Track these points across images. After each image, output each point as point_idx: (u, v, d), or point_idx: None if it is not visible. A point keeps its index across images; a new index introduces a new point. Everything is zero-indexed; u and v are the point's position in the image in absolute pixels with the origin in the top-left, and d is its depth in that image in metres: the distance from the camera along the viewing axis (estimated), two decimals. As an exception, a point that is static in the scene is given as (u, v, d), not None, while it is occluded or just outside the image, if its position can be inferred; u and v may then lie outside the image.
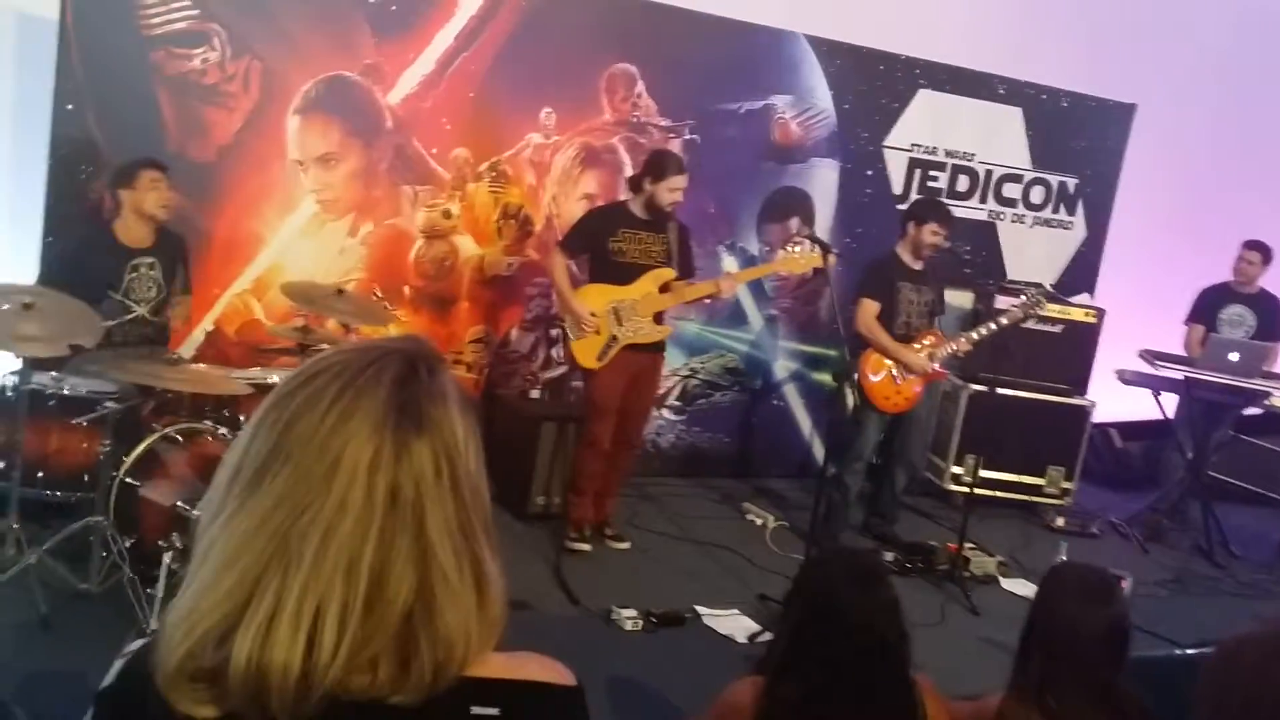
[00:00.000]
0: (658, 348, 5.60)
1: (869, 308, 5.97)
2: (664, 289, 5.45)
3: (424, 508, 1.07)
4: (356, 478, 1.05)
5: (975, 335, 6.13)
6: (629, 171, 6.18)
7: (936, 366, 6.01)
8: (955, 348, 6.08)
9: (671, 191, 5.36)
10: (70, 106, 5.12)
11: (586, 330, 5.38)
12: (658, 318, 5.49)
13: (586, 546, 5.52)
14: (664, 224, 5.46)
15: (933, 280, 6.15)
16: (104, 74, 5.17)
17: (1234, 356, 6.77)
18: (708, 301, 5.93)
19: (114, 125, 5.22)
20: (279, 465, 1.06)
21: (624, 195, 5.72)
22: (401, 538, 1.06)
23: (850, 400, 5.29)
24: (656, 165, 5.41)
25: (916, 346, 5.97)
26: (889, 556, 5.88)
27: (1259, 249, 7.15)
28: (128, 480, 4.25)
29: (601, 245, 5.43)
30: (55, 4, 5.05)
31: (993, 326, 6.10)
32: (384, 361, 1.11)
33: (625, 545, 5.72)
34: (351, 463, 1.06)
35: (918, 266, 6.08)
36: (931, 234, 5.97)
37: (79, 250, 4.89)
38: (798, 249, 5.60)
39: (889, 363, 5.95)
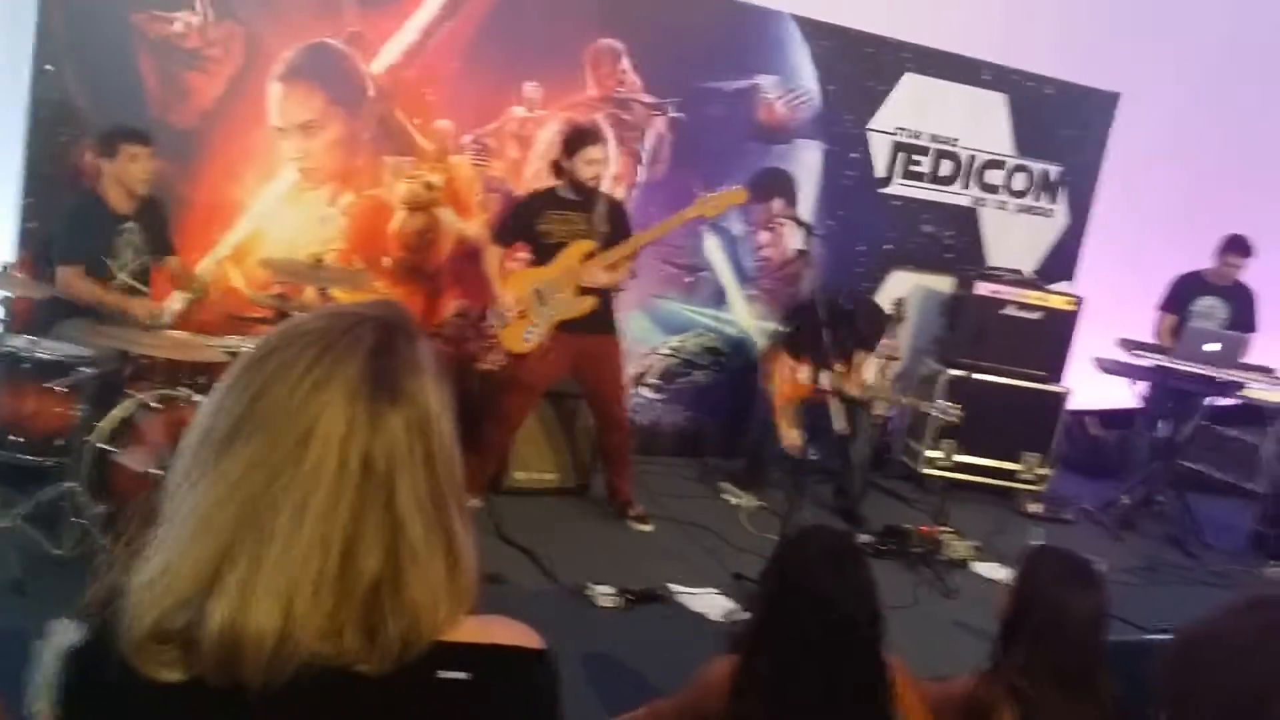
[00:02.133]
0: (602, 328, 5.58)
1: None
2: (585, 260, 5.43)
3: (396, 479, 1.06)
4: (329, 447, 1.04)
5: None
6: (613, 147, 6.15)
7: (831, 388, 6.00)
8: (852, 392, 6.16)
9: (589, 164, 5.34)
10: (50, 68, 5.07)
11: (508, 317, 5.41)
12: (581, 290, 5.46)
13: (476, 502, 5.44)
14: (592, 201, 5.45)
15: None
16: (85, 36, 5.11)
17: (1212, 347, 6.80)
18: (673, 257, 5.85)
19: (94, 88, 5.17)
20: (251, 430, 1.05)
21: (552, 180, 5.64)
22: (372, 509, 1.05)
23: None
24: (570, 140, 5.40)
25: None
26: (864, 538, 5.92)
27: (1245, 252, 7.14)
28: (103, 446, 4.23)
29: (531, 230, 5.45)
30: (36, -37, 4.99)
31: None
32: (360, 330, 1.09)
33: (648, 527, 5.73)
34: (325, 432, 1.04)
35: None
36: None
37: (70, 215, 4.86)
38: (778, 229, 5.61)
39: (791, 362, 6.23)
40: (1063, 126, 7.70)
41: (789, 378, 6.30)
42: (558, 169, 5.46)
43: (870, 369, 6.69)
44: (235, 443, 1.05)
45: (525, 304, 5.43)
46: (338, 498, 1.04)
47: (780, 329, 6.43)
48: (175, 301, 4.71)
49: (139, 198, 4.89)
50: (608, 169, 5.42)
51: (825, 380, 6.02)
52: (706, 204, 5.76)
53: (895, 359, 7.07)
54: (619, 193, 6.24)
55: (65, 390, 4.26)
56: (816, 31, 6.84)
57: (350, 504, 1.04)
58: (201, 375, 4.61)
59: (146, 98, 5.30)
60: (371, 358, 1.07)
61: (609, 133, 6.32)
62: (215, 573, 1.02)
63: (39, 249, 5.00)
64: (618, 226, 5.57)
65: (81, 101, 5.13)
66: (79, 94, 5.13)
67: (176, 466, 1.09)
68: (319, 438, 1.04)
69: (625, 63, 6.40)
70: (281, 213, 5.70)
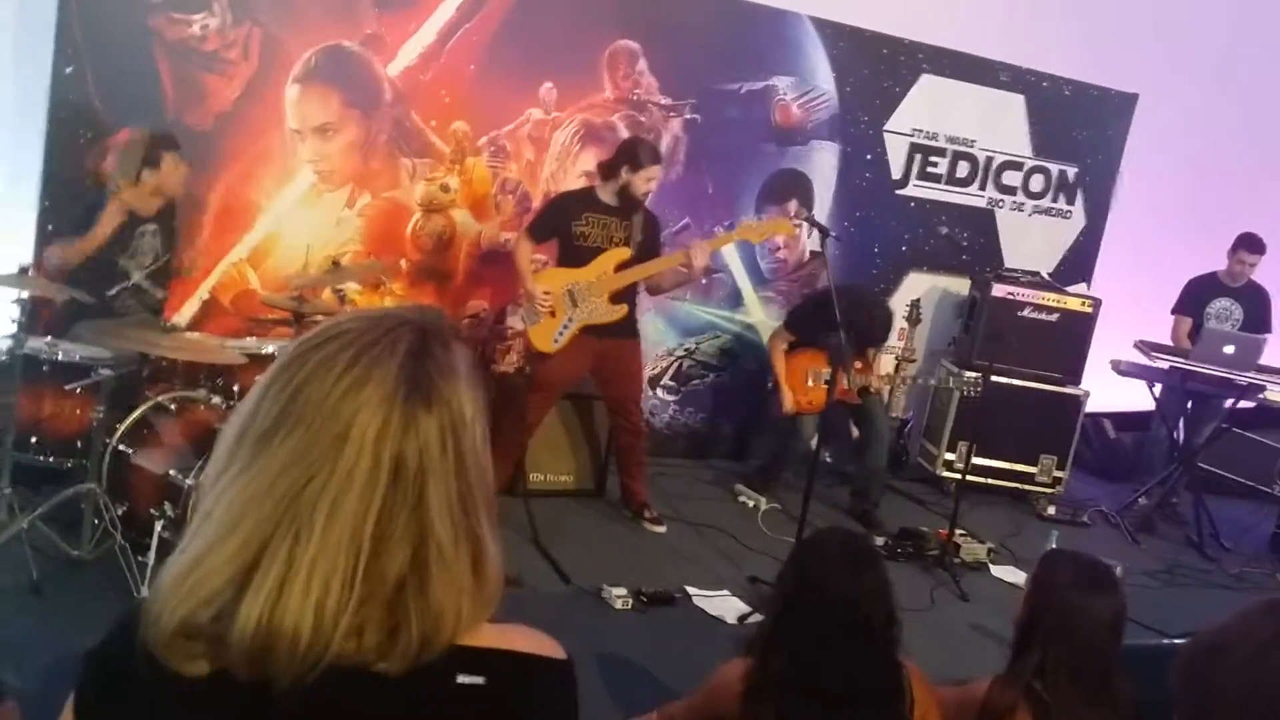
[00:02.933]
0: (626, 332, 5.60)
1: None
2: (620, 269, 5.45)
3: (426, 481, 1.07)
4: (364, 447, 1.06)
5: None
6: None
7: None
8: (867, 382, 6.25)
9: (648, 181, 5.41)
10: (69, 70, 5.10)
11: (541, 312, 5.41)
12: (614, 297, 5.48)
13: None
14: (631, 211, 5.47)
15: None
16: (103, 38, 5.14)
17: (1229, 349, 6.77)
18: (693, 278, 5.84)
19: (113, 90, 5.20)
20: (289, 428, 1.07)
21: (592, 180, 5.70)
22: (402, 509, 1.06)
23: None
24: (635, 154, 5.42)
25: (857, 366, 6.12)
26: (880, 541, 5.91)
27: (1257, 249, 7.12)
28: (120, 448, 4.25)
29: (566, 230, 5.45)
30: (56, -34, 5.02)
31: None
32: (399, 332, 1.11)
33: (662, 529, 5.74)
34: (360, 432, 1.06)
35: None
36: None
37: (89, 213, 4.88)
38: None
39: (806, 370, 6.24)
40: (1080, 127, 7.66)
41: (801, 387, 6.29)
42: (610, 173, 5.46)
43: (886, 367, 6.69)
44: (274, 439, 1.07)
45: (557, 303, 5.43)
46: (370, 498, 1.05)
47: (788, 327, 6.39)
48: (191, 305, 4.74)
49: (165, 201, 4.94)
50: (656, 184, 5.49)
51: (845, 381, 6.01)
52: (751, 229, 5.89)
53: (912, 360, 7.05)
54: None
55: (83, 392, 4.28)
56: (833, 33, 6.83)
57: (381, 504, 1.05)
58: (219, 377, 4.63)
59: (164, 99, 5.33)
60: (408, 360, 1.09)
61: (625, 135, 6.32)
62: (249, 569, 1.04)
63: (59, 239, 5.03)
64: (651, 239, 5.60)
65: (99, 103, 5.16)
66: (97, 96, 5.16)
67: (213, 460, 1.11)
68: (355, 437, 1.06)
69: (642, 64, 6.40)
70: (298, 215, 5.72)
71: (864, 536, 3.31)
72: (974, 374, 6.40)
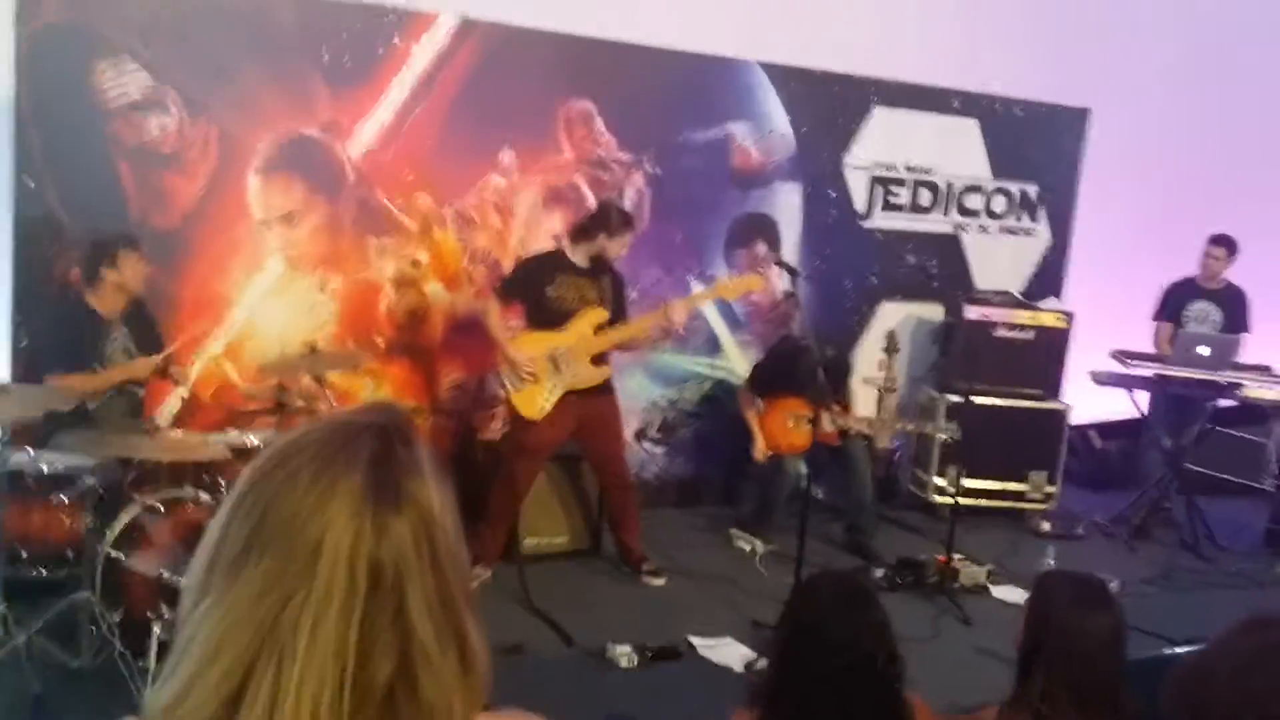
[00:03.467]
0: (603, 390, 5.63)
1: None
2: (599, 330, 5.49)
3: (405, 586, 1.07)
4: (339, 562, 1.05)
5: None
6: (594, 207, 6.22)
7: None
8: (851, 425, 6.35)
9: (622, 246, 5.52)
10: (32, 184, 5.13)
11: (526, 379, 5.42)
12: (596, 359, 5.52)
13: (486, 574, 5.48)
14: (601, 273, 5.53)
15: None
16: (63, 149, 5.18)
17: (1204, 350, 6.83)
18: (671, 336, 5.93)
19: (76, 200, 5.23)
20: (260, 551, 1.06)
21: (560, 242, 5.78)
22: (383, 617, 1.06)
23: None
24: (608, 220, 5.49)
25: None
26: (878, 573, 5.91)
27: (1224, 244, 7.24)
28: (112, 553, 4.23)
29: (538, 292, 5.48)
30: (9, 83, 5.06)
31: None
32: (360, 439, 1.11)
33: (661, 581, 5.75)
34: (333, 546, 1.05)
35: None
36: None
37: (57, 324, 4.91)
38: (764, 272, 5.69)
39: (784, 413, 6.33)
40: (1036, 146, 7.77)
41: (783, 430, 6.33)
42: (583, 235, 5.52)
43: (867, 401, 6.73)
44: (246, 563, 1.06)
45: (539, 368, 5.45)
46: (350, 611, 1.04)
47: (752, 389, 6.49)
48: (168, 409, 4.73)
49: (128, 301, 4.94)
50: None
51: (827, 423, 6.05)
52: (726, 288, 5.97)
53: (893, 390, 7.09)
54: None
55: (71, 501, 4.27)
56: (783, 76, 6.93)
57: (362, 615, 1.05)
58: (205, 474, 4.62)
59: (128, 204, 5.37)
60: (372, 466, 1.09)
61: (589, 193, 6.40)
62: (236, 697, 1.03)
63: (31, 363, 5.04)
64: (619, 297, 5.66)
65: (64, 215, 5.19)
66: (61, 208, 5.19)
67: (187, 589, 1.10)
68: (328, 553, 1.05)
69: (598, 123, 6.47)
70: (271, 303, 5.74)
71: (858, 576, 3.33)
72: (951, 424, 6.43)
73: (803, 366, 5.82)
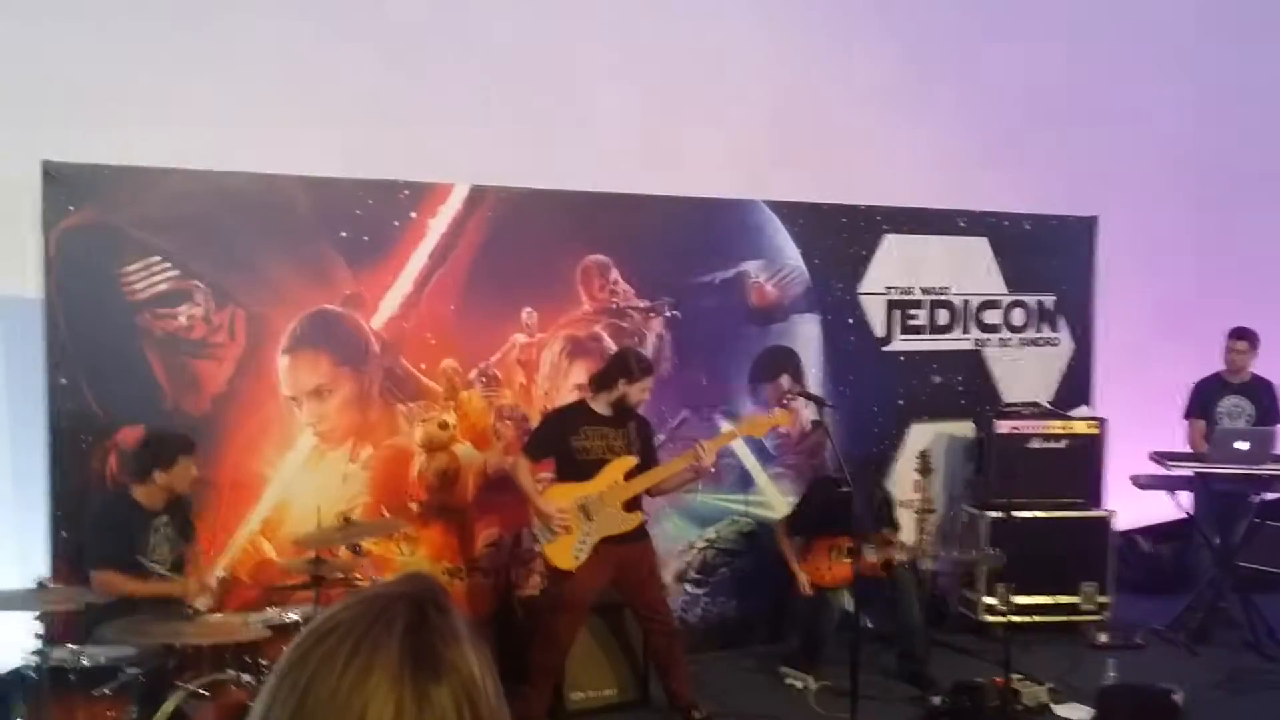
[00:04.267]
0: (639, 535, 5.61)
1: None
2: (629, 476, 5.51)
3: None
4: None
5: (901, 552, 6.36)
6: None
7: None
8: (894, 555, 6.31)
9: (643, 391, 5.55)
10: (64, 380, 5.25)
11: (558, 530, 5.42)
12: (627, 505, 5.52)
13: None
14: (625, 419, 5.57)
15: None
16: (93, 344, 5.31)
17: (1242, 445, 6.77)
18: (700, 477, 5.92)
19: (109, 392, 5.34)
20: None
21: (584, 393, 5.84)
22: None
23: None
24: (627, 366, 5.55)
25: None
26: (936, 700, 5.78)
27: (1245, 337, 7.23)
28: (158, 743, 4.21)
29: (565, 445, 5.52)
30: (39, 283, 5.23)
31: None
32: (393, 610, 1.11)
33: None
34: None
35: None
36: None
37: (99, 518, 4.98)
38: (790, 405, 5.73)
39: (827, 549, 6.33)
40: (1048, 256, 7.83)
41: (828, 565, 6.29)
42: (604, 384, 5.58)
43: (906, 524, 6.68)
44: None
45: (570, 519, 5.45)
46: None
47: (797, 519, 6.49)
48: (203, 602, 4.75)
49: (174, 496, 5.03)
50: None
51: (870, 553, 6.01)
52: (753, 425, 6.01)
53: (931, 511, 7.04)
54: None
55: (114, 694, 4.27)
56: (790, 211, 7.06)
57: None
58: (246, 654, 4.62)
59: (160, 392, 5.48)
60: (408, 636, 1.08)
61: (610, 343, 6.47)
62: None
63: (73, 556, 5.09)
64: (646, 442, 5.69)
65: (97, 407, 5.30)
66: (94, 400, 5.30)
67: None
68: None
69: (614, 274, 6.59)
70: (304, 478, 5.80)
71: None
72: (996, 551, 6.40)
73: (838, 503, 5.80)
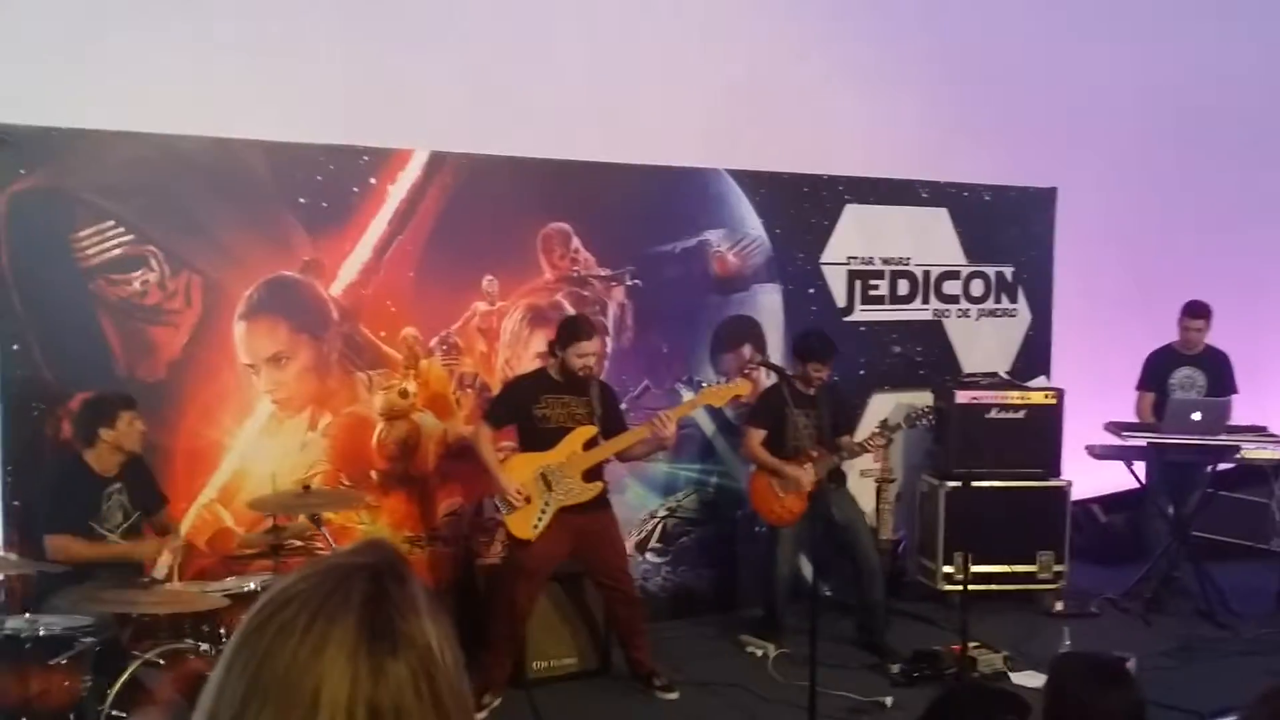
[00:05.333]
0: (600, 505, 5.61)
1: (754, 435, 6.40)
2: (589, 445, 5.48)
3: None
4: (337, 711, 1.02)
5: (844, 452, 6.40)
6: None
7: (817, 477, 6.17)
8: (836, 460, 6.36)
9: (580, 357, 5.48)
10: (16, 346, 5.16)
11: (516, 503, 5.40)
12: (587, 475, 5.51)
13: (495, 701, 5.41)
14: (586, 386, 5.54)
15: (825, 403, 6.36)
16: (45, 309, 5.22)
17: (1196, 416, 6.84)
18: (663, 446, 5.89)
19: (62, 358, 5.25)
20: (258, 705, 1.03)
21: (545, 361, 5.83)
22: None
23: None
24: (564, 332, 5.56)
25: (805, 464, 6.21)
26: (894, 668, 5.84)
27: (1202, 314, 7.27)
28: (114, 713, 4.16)
29: (526, 413, 5.51)
30: (-11, 249, 5.13)
31: (863, 442, 6.45)
32: (350, 583, 1.08)
33: (674, 695, 5.67)
34: (330, 696, 1.03)
35: (809, 392, 6.30)
36: (814, 370, 6.29)
37: (52, 484, 4.91)
38: (752, 374, 5.75)
39: (769, 479, 6.31)
40: (1007, 228, 7.88)
41: (776, 499, 6.31)
42: (552, 352, 5.59)
43: (866, 493, 6.71)
44: (245, 719, 1.03)
45: (531, 489, 5.43)
46: None
47: (754, 424, 6.47)
48: (164, 563, 4.69)
49: (126, 458, 4.95)
50: (600, 362, 5.55)
51: (810, 472, 6.07)
52: (714, 394, 5.97)
53: (891, 480, 7.08)
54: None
55: (69, 663, 4.21)
56: (752, 181, 7.04)
57: None
58: (204, 624, 4.57)
59: (113, 359, 5.39)
60: (364, 610, 1.06)
61: (572, 312, 6.42)
62: None
63: (25, 525, 5.01)
64: (611, 410, 5.66)
65: (50, 374, 5.21)
66: (46, 366, 5.21)
67: None
68: (326, 703, 1.02)
69: (576, 242, 6.55)
70: (263, 445, 5.73)
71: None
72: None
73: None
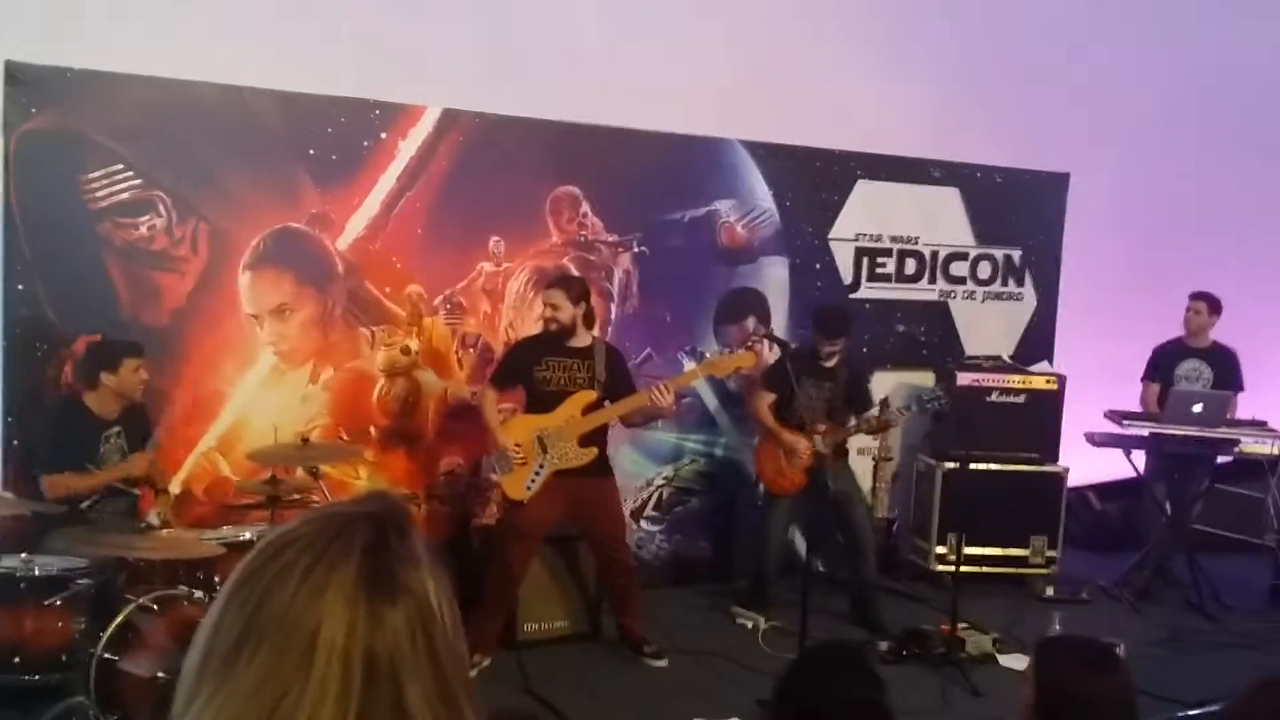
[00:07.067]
0: (599, 470, 5.61)
1: (764, 398, 6.39)
2: (589, 410, 5.49)
3: (401, 677, 1.04)
4: (333, 655, 1.03)
5: (852, 426, 6.37)
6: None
7: (820, 450, 6.13)
8: (843, 436, 6.37)
9: (544, 307, 5.56)
10: (21, 287, 5.15)
11: (514, 463, 5.41)
12: (583, 440, 5.51)
13: (485, 661, 5.40)
14: (590, 349, 5.53)
15: (842, 379, 6.37)
16: (52, 251, 5.21)
17: (1197, 408, 6.84)
18: (664, 415, 5.89)
19: (67, 300, 5.26)
20: (254, 646, 1.04)
21: None
22: (380, 710, 1.03)
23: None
24: (537, 283, 5.64)
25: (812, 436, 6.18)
26: (884, 645, 5.86)
27: (1204, 299, 7.27)
28: (107, 656, 4.18)
29: (529, 376, 5.52)
30: (-2, 188, 5.11)
31: (869, 419, 6.36)
32: (353, 528, 1.09)
33: (663, 662, 5.69)
34: (328, 639, 1.03)
35: (829, 365, 6.33)
36: (823, 345, 6.31)
37: (51, 425, 4.92)
38: (755, 347, 5.76)
39: (777, 447, 6.32)
40: (1017, 211, 7.84)
41: (780, 468, 6.32)
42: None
43: (864, 472, 6.72)
44: (240, 659, 1.03)
45: (527, 451, 5.44)
46: (346, 705, 1.02)
47: (766, 386, 6.44)
48: (153, 515, 4.70)
49: (126, 403, 4.96)
50: (563, 315, 5.50)
51: (813, 444, 6.08)
52: (716, 365, 5.89)
53: (889, 459, 7.08)
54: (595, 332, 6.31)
55: (63, 604, 4.23)
56: (764, 153, 7.01)
57: (359, 709, 1.02)
58: (199, 571, 4.59)
59: (118, 302, 5.39)
60: (366, 556, 1.07)
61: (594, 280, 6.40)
62: None
63: (24, 465, 5.03)
64: (618, 373, 5.64)
65: (54, 315, 5.21)
66: (51, 308, 5.21)
67: (181, 688, 1.08)
68: (322, 646, 1.03)
69: (584, 206, 6.53)
70: (263, 397, 5.74)
71: (855, 645, 3.29)
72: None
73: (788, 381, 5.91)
